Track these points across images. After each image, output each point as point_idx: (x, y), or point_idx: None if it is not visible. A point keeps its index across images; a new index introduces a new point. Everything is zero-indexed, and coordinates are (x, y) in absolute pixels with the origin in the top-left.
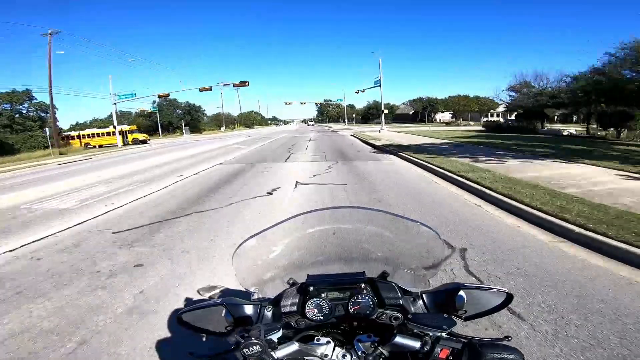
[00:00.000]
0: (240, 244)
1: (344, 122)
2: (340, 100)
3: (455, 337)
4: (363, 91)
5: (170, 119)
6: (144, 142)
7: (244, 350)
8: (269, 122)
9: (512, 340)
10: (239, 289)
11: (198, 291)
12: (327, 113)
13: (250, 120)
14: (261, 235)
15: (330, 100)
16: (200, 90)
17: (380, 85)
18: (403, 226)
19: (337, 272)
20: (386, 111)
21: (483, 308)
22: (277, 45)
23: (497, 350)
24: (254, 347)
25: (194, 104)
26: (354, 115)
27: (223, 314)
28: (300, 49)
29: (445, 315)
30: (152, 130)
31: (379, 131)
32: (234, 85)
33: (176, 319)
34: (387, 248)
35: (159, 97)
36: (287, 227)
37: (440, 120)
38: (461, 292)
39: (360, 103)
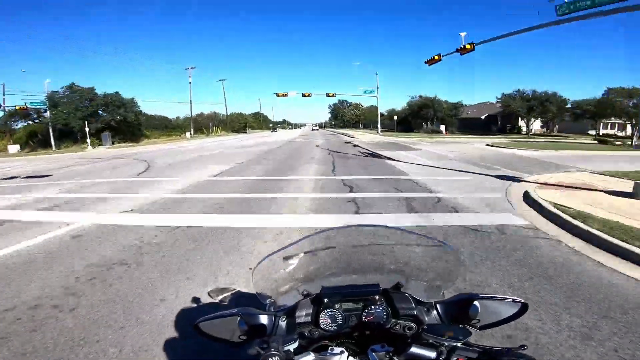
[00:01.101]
0: (261, 261)
1: (367, 127)
2: (372, 91)
3: (470, 346)
4: (463, 49)
5: (70, 119)
6: None
7: None
8: (271, 125)
9: (527, 349)
10: (250, 292)
11: (209, 294)
12: (343, 115)
13: (239, 123)
14: (281, 253)
15: (346, 102)
16: None
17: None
18: (422, 244)
19: (351, 284)
20: None
21: (497, 318)
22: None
23: (513, 358)
24: (274, 358)
25: (114, 97)
26: (395, 117)
27: (238, 324)
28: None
29: (460, 326)
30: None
31: None
32: None
33: (193, 327)
34: (402, 261)
35: None
36: (304, 244)
37: (532, 131)
38: (475, 302)
39: (392, 102)
